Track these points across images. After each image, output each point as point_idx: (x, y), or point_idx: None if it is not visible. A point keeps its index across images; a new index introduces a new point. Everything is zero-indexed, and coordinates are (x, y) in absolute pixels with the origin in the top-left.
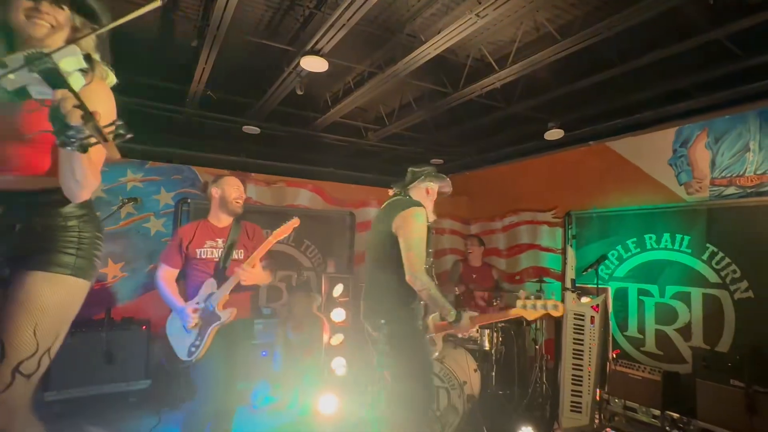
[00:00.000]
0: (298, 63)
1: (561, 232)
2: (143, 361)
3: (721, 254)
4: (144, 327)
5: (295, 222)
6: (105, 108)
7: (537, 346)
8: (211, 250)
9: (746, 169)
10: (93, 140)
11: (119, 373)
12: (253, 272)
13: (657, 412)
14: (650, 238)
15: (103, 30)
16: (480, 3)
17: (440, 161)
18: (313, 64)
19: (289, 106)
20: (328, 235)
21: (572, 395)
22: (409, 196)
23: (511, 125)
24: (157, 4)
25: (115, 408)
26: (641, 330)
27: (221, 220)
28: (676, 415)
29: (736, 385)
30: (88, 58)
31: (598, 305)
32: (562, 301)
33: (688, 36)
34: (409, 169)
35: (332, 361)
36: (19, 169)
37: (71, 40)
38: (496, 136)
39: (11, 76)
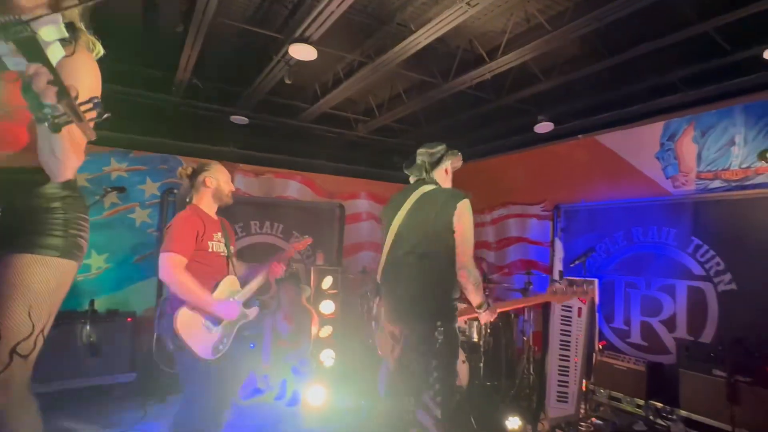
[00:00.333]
0: (287, 51)
1: (549, 225)
2: (128, 353)
3: (705, 247)
4: (129, 319)
5: (308, 240)
6: (87, 82)
7: (525, 338)
8: (218, 244)
9: (731, 162)
10: (67, 119)
11: (104, 365)
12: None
13: (641, 402)
14: (637, 231)
15: (92, 2)
16: None
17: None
18: (302, 52)
19: (278, 96)
20: (317, 227)
21: (559, 386)
22: (436, 181)
23: (501, 118)
24: None
25: (100, 401)
26: (627, 321)
27: (212, 211)
28: (659, 405)
29: (718, 375)
30: (71, 26)
31: (585, 297)
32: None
33: (677, 28)
34: (423, 150)
35: (321, 352)
36: (2, 145)
37: (54, 8)
38: (485, 129)
39: None
